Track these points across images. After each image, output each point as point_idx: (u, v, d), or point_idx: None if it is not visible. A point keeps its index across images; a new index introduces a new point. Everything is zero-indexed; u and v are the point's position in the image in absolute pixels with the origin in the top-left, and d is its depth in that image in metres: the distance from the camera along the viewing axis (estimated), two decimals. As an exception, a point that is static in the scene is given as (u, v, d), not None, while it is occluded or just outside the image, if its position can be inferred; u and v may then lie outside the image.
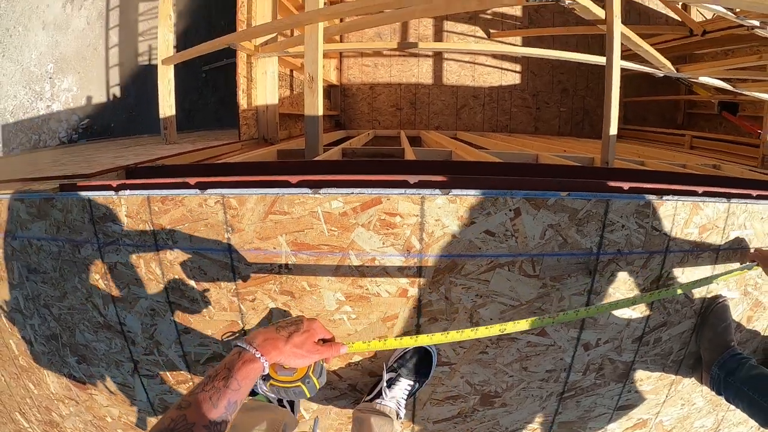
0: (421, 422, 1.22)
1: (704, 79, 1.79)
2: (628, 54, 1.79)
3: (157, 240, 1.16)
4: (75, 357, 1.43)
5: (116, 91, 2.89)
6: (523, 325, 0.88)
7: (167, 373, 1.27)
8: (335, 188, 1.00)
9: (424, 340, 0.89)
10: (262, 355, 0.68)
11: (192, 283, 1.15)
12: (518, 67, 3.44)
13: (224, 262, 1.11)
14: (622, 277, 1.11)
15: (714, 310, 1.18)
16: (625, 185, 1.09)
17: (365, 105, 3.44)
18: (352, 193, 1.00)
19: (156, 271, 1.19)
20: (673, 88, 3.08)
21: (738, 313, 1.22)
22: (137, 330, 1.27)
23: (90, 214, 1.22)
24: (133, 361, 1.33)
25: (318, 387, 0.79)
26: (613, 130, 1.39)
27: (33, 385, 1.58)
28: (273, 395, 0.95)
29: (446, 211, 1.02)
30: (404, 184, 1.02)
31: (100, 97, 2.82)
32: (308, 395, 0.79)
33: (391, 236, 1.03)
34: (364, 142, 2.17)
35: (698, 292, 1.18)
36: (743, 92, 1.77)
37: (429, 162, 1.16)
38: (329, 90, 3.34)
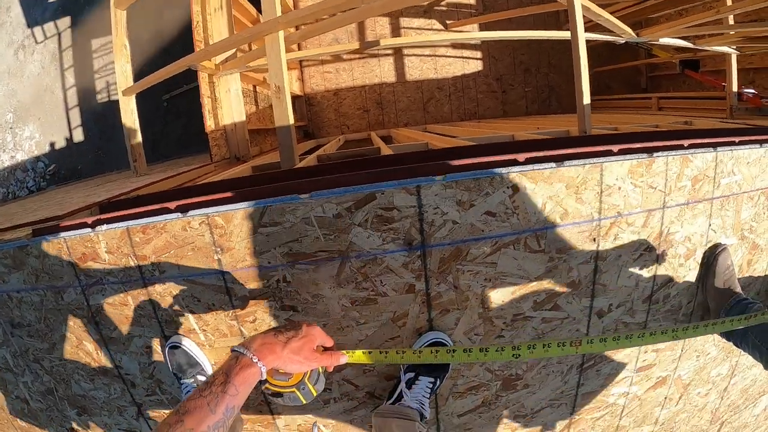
0: (445, 418, 1.14)
1: (665, 40, 1.77)
2: (589, 25, 1.75)
3: (143, 273, 1.05)
4: (75, 409, 1.30)
5: (79, 132, 2.71)
6: (539, 350, 0.77)
7: (158, 390, 1.16)
8: (326, 190, 0.91)
9: (427, 357, 0.80)
10: (259, 360, 0.66)
11: (187, 313, 1.04)
12: (479, 54, 3.38)
13: (218, 285, 1.00)
14: (626, 238, 1.06)
15: (716, 258, 1.13)
16: (615, 148, 1.04)
17: (332, 112, 3.32)
18: (344, 192, 0.91)
19: (146, 306, 1.07)
20: (633, 53, 3.04)
21: (738, 257, 1.18)
22: (135, 371, 1.15)
23: (68, 257, 1.09)
24: (136, 404, 1.21)
25: (315, 394, 0.76)
26: (587, 99, 1.34)
27: (35, 446, 1.43)
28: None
29: (444, 198, 0.94)
30: (396, 175, 0.93)
31: (63, 141, 2.65)
32: (303, 401, 0.75)
33: (391, 232, 0.94)
34: (336, 148, 2.08)
35: (699, 243, 1.13)
36: (704, 48, 1.75)
37: (411, 154, 1.07)
38: (294, 101, 3.22)
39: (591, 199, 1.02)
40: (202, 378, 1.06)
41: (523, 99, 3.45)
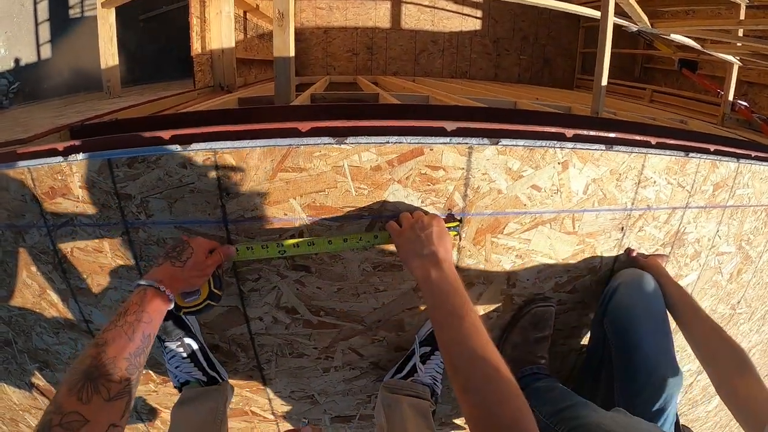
0: (445, 391, 0.89)
1: (676, 37, 1.56)
2: (599, 5, 1.46)
3: (125, 215, 0.69)
4: (36, 363, 0.92)
5: (47, 49, 2.08)
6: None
7: (150, 371, 0.82)
8: (366, 136, 0.60)
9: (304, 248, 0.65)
10: (165, 289, 0.57)
11: (177, 265, 0.69)
12: (479, 13, 2.79)
13: (218, 236, 0.67)
14: (648, 232, 0.84)
15: (535, 313, 0.80)
16: (653, 140, 0.80)
17: (319, 50, 2.66)
18: (388, 142, 0.60)
19: (126, 254, 0.71)
20: (632, 42, 2.57)
21: (731, 266, 1.00)
22: (109, 327, 0.78)
23: (32, 190, 0.70)
24: (108, 363, 0.84)
25: (221, 295, 0.68)
26: (604, 81, 1.10)
27: (-9, 398, 1.01)
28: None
29: (494, 164, 0.67)
30: (442, 132, 0.63)
31: (30, 58, 2.02)
32: (216, 305, 0.68)
33: (432, 193, 0.65)
34: (323, 88, 1.68)
35: (705, 246, 0.93)
36: (710, 53, 1.56)
37: (456, 108, 0.77)
38: None
39: (629, 188, 0.79)
40: (188, 341, 0.72)
41: (517, 66, 2.91)
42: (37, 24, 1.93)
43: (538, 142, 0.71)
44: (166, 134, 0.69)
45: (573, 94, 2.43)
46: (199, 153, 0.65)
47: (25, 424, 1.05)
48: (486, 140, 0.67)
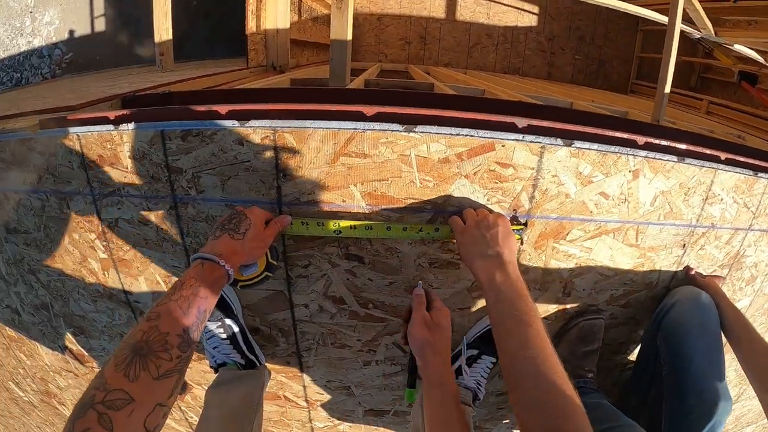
0: (486, 395, 0.83)
1: (739, 47, 1.46)
2: (663, 8, 1.34)
3: (174, 189, 0.66)
4: (71, 328, 0.90)
5: (101, 22, 2.04)
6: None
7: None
8: (437, 126, 0.55)
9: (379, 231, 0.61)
10: (225, 263, 0.52)
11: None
12: (536, 9, 2.62)
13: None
14: (708, 251, 0.78)
15: (583, 326, 0.76)
16: (722, 155, 0.74)
17: (372, 36, 2.55)
18: (459, 134, 0.55)
19: (173, 229, 0.68)
20: (690, 49, 2.40)
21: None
22: (147, 301, 0.77)
23: (80, 157, 0.70)
24: (144, 335, 0.82)
25: (278, 266, 0.66)
26: (668, 88, 1.03)
27: (25, 356, 1.02)
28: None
29: (566, 166, 0.61)
30: (512, 128, 0.58)
31: (84, 30, 1.99)
32: (272, 276, 0.65)
33: (499, 191, 0.60)
34: (375, 75, 1.60)
35: (761, 272, 0.87)
36: None
37: (528, 105, 0.72)
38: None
39: (696, 204, 0.73)
40: (229, 322, 0.69)
41: (571, 66, 2.73)
42: (92, -3, 1.91)
43: (612, 148, 0.65)
44: (222, 109, 0.65)
45: (628, 99, 2.30)
46: (258, 130, 0.61)
47: (54, 385, 1.05)
48: (560, 141, 0.61)
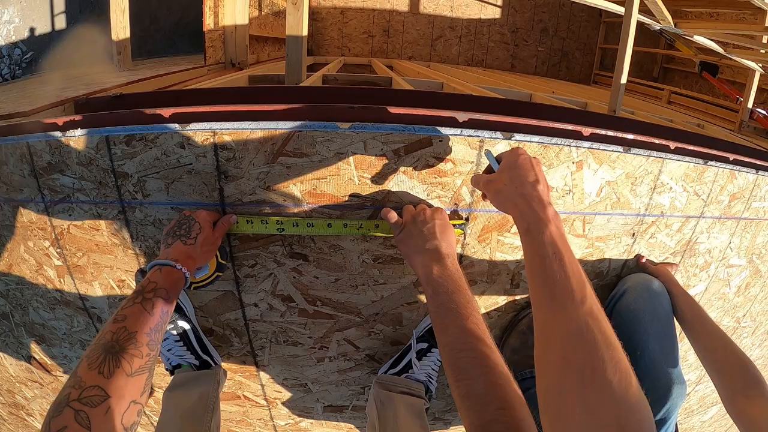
0: (440, 387, 0.86)
1: (699, 38, 1.48)
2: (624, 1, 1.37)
3: (121, 194, 0.67)
4: (33, 337, 0.90)
5: (61, 19, 2.02)
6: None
7: None
8: (373, 123, 0.56)
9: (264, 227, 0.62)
10: (182, 267, 0.55)
11: (173, 248, 0.66)
12: (499, 1, 2.66)
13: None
14: (659, 239, 0.80)
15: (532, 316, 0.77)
16: (672, 144, 0.75)
17: (335, 30, 2.56)
18: (394, 131, 0.56)
19: (122, 234, 0.68)
20: (653, 41, 2.45)
21: (740, 279, 0.95)
22: (103, 306, 0.77)
23: (30, 165, 0.69)
24: (104, 341, 0.82)
25: (227, 265, 0.68)
26: (624, 78, 1.04)
27: (-13, 368, 1.01)
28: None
29: (505, 158, 0.61)
30: (453, 122, 0.59)
31: (44, 28, 1.96)
32: (223, 275, 0.68)
33: (439, 186, 0.61)
34: (336, 70, 1.61)
35: (715, 258, 0.89)
36: (732, 57, 1.48)
37: (469, 98, 0.73)
38: None
39: (644, 193, 0.74)
40: (182, 324, 0.70)
41: (535, 58, 2.78)
42: (52, -6, 1.88)
43: (554, 140, 0.66)
44: (166, 112, 0.65)
45: (590, 89, 2.34)
46: (198, 133, 0.61)
47: (21, 396, 1.04)
48: (499, 134, 0.63)
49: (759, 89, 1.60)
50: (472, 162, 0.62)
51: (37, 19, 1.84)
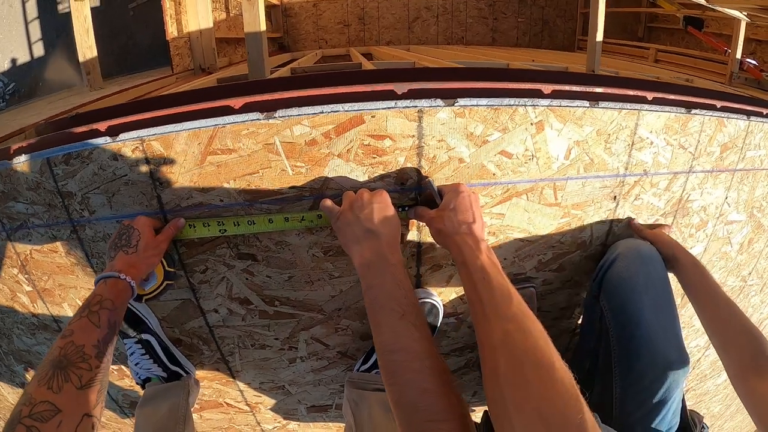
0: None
1: None
2: None
3: (70, 214, 0.66)
4: (21, 365, 0.92)
5: (39, 46, 2.07)
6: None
7: (122, 367, 0.79)
8: (297, 107, 0.52)
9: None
10: (126, 276, 0.53)
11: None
12: None
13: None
14: (646, 200, 0.73)
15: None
16: (649, 95, 0.68)
17: (310, 24, 2.53)
18: (322, 112, 0.52)
19: (78, 253, 0.68)
20: (635, 0, 2.38)
21: (742, 235, 0.86)
22: (76, 327, 0.76)
23: None
24: (85, 361, 0.83)
25: (177, 271, 0.66)
26: (599, 37, 0.96)
27: (-9, 398, 1.04)
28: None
29: (451, 128, 0.57)
30: (391, 95, 0.55)
31: (23, 57, 2.01)
32: (174, 282, 0.67)
33: (380, 166, 0.57)
34: (313, 62, 1.58)
35: (712, 215, 0.80)
36: (716, 8, 1.36)
37: (405, 70, 0.68)
38: (270, 11, 2.43)
39: (620, 151, 0.67)
40: (146, 337, 0.69)
41: (515, 30, 2.73)
42: (27, 23, 1.92)
43: (505, 101, 0.60)
44: (102, 126, 0.64)
45: (573, 55, 2.23)
46: (128, 143, 0.60)
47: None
48: (439, 101, 0.57)
49: (746, 40, 1.47)
50: (413, 135, 0.57)
51: (15, 49, 1.89)
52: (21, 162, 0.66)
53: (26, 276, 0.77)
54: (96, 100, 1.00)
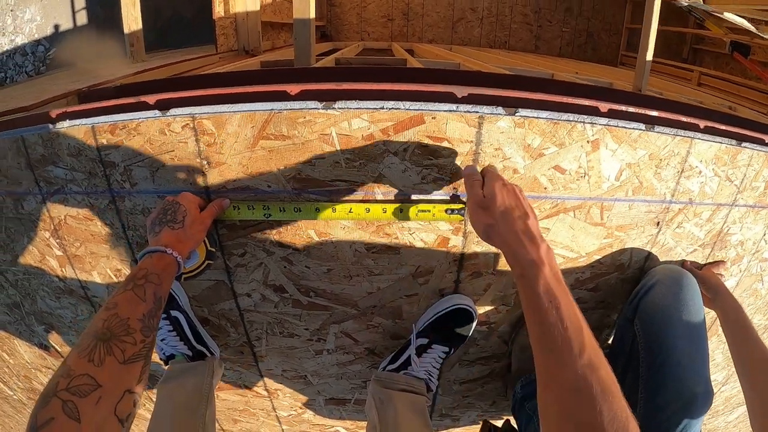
0: (446, 384, 0.82)
1: (729, 16, 1.33)
2: None
3: (110, 184, 0.65)
4: (42, 326, 0.92)
5: (82, 15, 2.05)
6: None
7: None
8: (357, 101, 0.50)
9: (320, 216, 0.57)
10: (173, 251, 0.51)
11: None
12: None
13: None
14: (687, 229, 0.71)
15: None
16: (701, 123, 0.66)
17: (353, 15, 2.49)
18: (383, 107, 0.51)
19: (115, 223, 0.67)
20: (682, 19, 2.28)
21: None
22: (103, 295, 0.78)
23: (26, 158, 0.69)
24: (107, 330, 0.83)
25: (217, 252, 0.65)
26: (650, 55, 0.93)
27: (7, 355, 1.06)
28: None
29: (510, 138, 0.56)
30: (451, 98, 0.53)
31: (66, 25, 2.00)
32: (213, 263, 0.66)
33: (434, 169, 0.56)
34: (354, 54, 1.55)
35: (748, 250, 0.79)
36: (765, 36, 1.32)
37: (466, 73, 0.65)
38: None
39: (669, 177, 0.65)
40: (175, 314, 0.68)
41: (559, 39, 2.65)
42: (73, -10, 1.92)
43: (564, 116, 0.59)
44: (151, 99, 0.63)
45: (616, 70, 2.17)
46: (178, 119, 0.58)
47: (38, 382, 1.09)
48: (501, 109, 0.56)
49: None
50: (471, 141, 0.56)
51: (58, 16, 1.88)
52: (64, 127, 0.65)
53: (58, 240, 0.76)
54: (140, 72, 0.98)
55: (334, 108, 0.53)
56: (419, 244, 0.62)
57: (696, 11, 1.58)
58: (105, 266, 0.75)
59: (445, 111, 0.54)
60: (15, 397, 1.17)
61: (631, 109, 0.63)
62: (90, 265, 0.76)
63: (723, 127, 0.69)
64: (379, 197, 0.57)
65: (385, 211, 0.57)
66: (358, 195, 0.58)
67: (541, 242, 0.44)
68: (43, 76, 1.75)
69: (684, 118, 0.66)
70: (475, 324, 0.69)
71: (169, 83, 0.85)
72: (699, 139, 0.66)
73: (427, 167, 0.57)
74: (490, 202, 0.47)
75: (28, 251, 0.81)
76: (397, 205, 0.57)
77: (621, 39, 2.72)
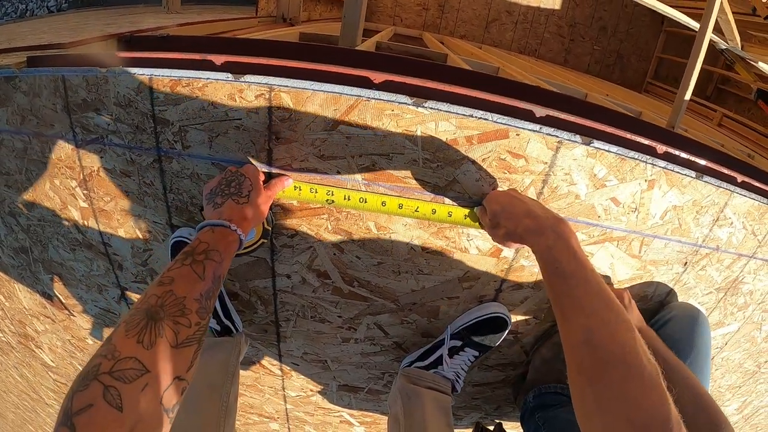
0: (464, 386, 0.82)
1: (764, 66, 1.38)
2: (693, 12, 1.24)
3: (159, 142, 0.61)
4: (49, 275, 0.87)
5: None
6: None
7: None
8: (449, 104, 0.49)
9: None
10: (237, 228, 0.48)
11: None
12: None
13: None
14: (709, 272, 0.75)
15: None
16: (739, 177, 0.69)
17: None
18: (472, 116, 0.50)
19: (155, 183, 0.63)
20: (710, 57, 2.30)
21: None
22: (126, 253, 0.74)
23: (64, 100, 0.64)
24: (120, 288, 0.81)
25: (272, 231, 0.63)
26: (688, 95, 0.96)
27: (3, 298, 1.00)
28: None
29: (580, 166, 0.57)
30: (530, 116, 0.53)
31: None
32: (267, 242, 0.63)
33: (506, 183, 0.56)
34: (387, 39, 1.49)
35: (755, 300, 0.85)
36: None
37: (550, 94, 0.65)
38: None
39: (705, 223, 0.69)
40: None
41: (589, 56, 2.66)
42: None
43: (631, 153, 0.60)
44: (218, 59, 0.59)
45: (642, 98, 2.23)
46: (253, 87, 0.55)
47: (32, 328, 1.03)
48: (578, 138, 0.56)
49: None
50: (546, 163, 0.56)
51: None
52: (115, 74, 0.60)
53: (85, 192, 0.71)
54: (183, 25, 0.91)
55: (424, 107, 0.51)
56: (473, 251, 0.63)
57: (729, 54, 1.62)
58: (134, 226, 0.71)
59: (529, 130, 0.53)
60: (4, 339, 1.10)
61: (684, 155, 0.65)
62: (118, 223, 0.72)
63: (757, 184, 0.73)
64: (447, 201, 0.57)
65: (451, 215, 0.57)
66: (427, 195, 0.57)
67: (560, 222, 0.46)
68: (67, 13, 1.61)
69: (726, 171, 0.70)
70: (506, 333, 0.70)
71: (222, 43, 0.80)
72: (737, 193, 0.69)
73: (499, 180, 0.57)
74: (495, 220, 0.51)
75: (48, 198, 0.75)
76: (467, 211, 0.57)
77: (649, 66, 2.76)
